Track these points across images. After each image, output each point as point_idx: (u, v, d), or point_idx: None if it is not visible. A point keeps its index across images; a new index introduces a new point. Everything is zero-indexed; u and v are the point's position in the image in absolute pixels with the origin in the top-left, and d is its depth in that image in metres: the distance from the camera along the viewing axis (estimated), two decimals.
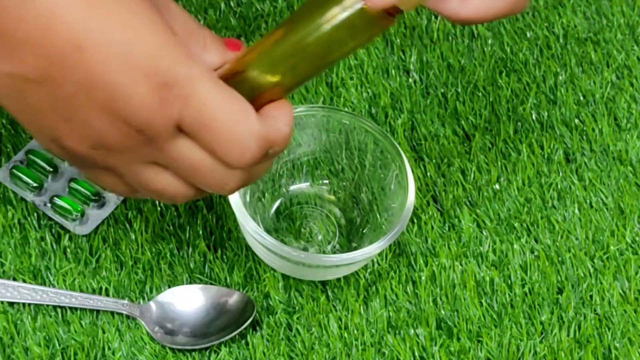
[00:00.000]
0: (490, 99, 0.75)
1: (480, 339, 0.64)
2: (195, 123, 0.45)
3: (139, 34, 0.44)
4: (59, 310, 0.63)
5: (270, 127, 0.47)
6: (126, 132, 0.45)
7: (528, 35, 0.79)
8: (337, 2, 0.48)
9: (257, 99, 0.48)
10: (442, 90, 0.75)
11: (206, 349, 0.62)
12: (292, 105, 0.50)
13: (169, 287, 0.64)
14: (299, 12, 0.49)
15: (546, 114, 0.75)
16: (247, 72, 0.49)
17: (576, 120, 0.75)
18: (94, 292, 0.64)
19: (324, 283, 0.65)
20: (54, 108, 0.45)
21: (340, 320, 0.64)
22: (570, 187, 0.72)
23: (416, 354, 0.63)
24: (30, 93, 0.45)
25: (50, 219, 0.66)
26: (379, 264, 0.67)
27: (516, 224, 0.69)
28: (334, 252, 0.67)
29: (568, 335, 0.65)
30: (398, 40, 0.77)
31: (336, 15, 0.48)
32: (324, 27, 0.48)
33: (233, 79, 0.49)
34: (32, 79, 0.44)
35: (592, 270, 0.68)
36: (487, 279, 0.67)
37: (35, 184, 0.66)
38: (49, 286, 0.63)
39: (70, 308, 0.63)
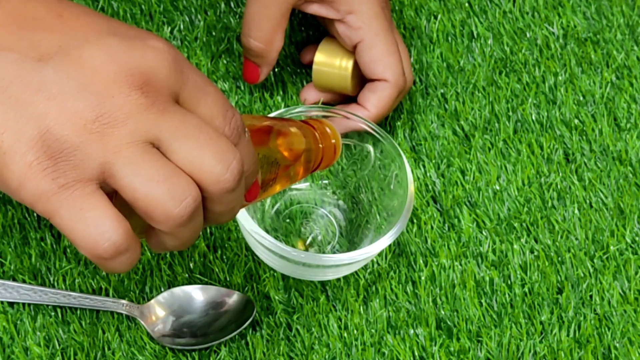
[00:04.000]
0: (490, 99, 0.75)
1: (480, 339, 0.64)
2: (195, 87, 0.44)
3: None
4: (58, 310, 0.63)
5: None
6: (127, 92, 0.42)
7: (528, 35, 0.79)
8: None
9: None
10: (442, 91, 0.75)
11: (206, 349, 0.62)
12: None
13: (169, 287, 0.64)
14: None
15: (546, 114, 0.75)
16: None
17: (576, 121, 0.75)
18: (94, 292, 0.64)
19: (323, 283, 0.65)
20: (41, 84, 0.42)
21: (340, 320, 0.64)
22: (570, 187, 0.72)
23: (416, 354, 0.63)
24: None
25: None
26: (378, 264, 0.67)
27: (516, 224, 0.69)
28: (334, 252, 0.67)
29: (568, 335, 0.65)
30: None
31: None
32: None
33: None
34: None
35: (592, 270, 0.68)
36: (487, 279, 0.67)
37: None
38: (49, 286, 0.63)
39: (70, 308, 0.63)
